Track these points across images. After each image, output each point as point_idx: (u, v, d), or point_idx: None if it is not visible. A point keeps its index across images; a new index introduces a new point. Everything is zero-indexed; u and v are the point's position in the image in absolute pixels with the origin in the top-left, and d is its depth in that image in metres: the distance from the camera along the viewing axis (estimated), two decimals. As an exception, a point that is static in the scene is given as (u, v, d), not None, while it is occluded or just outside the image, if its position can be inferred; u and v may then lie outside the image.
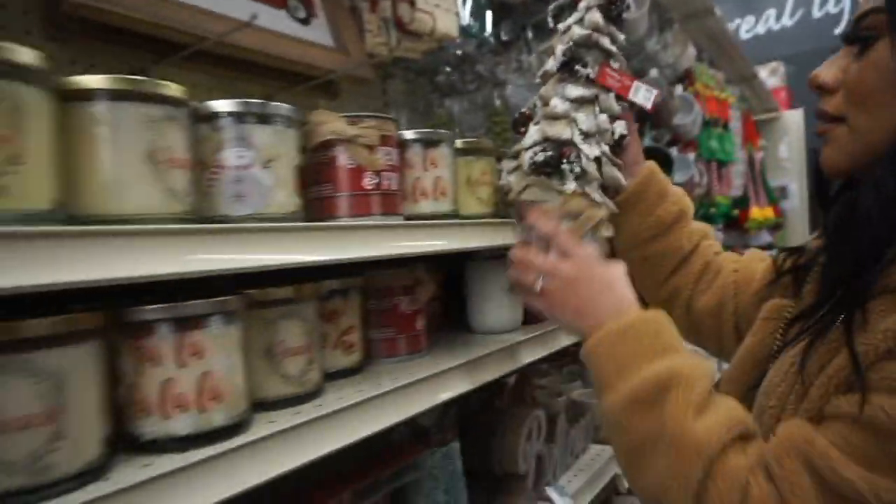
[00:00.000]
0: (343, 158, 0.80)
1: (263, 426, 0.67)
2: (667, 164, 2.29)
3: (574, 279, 0.79)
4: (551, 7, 1.18)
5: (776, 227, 4.88)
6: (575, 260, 0.81)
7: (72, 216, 0.56)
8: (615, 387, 0.69)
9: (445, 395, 0.92)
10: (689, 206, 1.03)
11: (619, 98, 1.03)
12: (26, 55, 0.49)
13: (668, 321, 0.75)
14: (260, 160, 0.70)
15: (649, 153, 2.36)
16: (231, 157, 0.69)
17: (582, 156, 0.97)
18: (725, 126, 3.25)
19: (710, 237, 1.04)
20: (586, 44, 1.04)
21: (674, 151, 2.46)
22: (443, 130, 1.07)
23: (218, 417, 0.62)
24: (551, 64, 1.05)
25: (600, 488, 1.46)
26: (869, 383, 0.59)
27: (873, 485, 0.55)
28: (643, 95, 1.00)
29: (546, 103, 1.03)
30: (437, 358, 1.00)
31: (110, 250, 0.51)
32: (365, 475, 0.87)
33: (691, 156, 2.62)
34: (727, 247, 3.28)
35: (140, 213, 0.59)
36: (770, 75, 5.64)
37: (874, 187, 0.63)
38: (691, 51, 2.70)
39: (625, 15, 2.17)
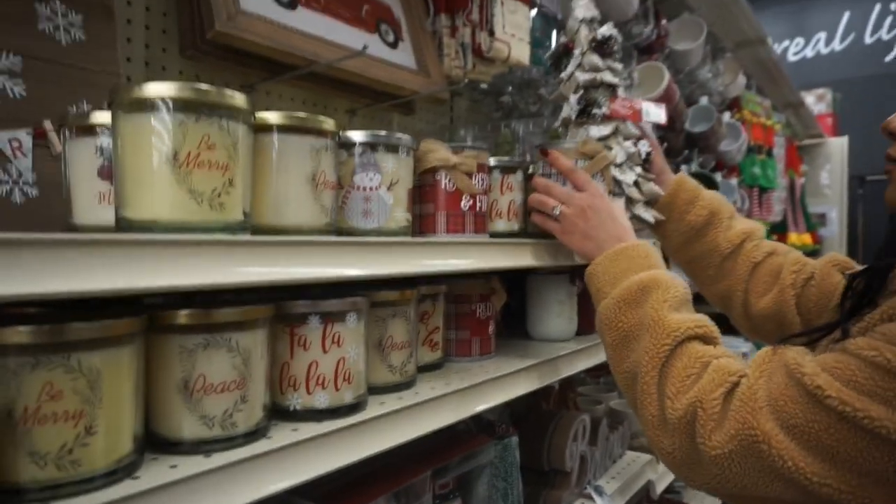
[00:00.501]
0: (445, 182, 0.93)
1: (377, 407, 0.80)
2: (712, 188, 2.37)
3: (585, 208, 0.95)
4: (548, 56, 1.34)
5: (813, 253, 4.90)
6: (587, 192, 0.97)
7: (252, 226, 0.69)
8: (608, 293, 0.85)
9: (514, 392, 1.05)
10: (723, 208, 1.11)
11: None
12: (240, 100, 0.62)
13: (656, 251, 0.90)
14: (385, 183, 0.83)
15: (697, 178, 2.44)
16: (363, 179, 0.82)
17: (623, 185, 1.13)
18: (769, 153, 3.31)
19: (756, 237, 1.10)
20: (593, 85, 1.20)
21: (718, 177, 2.54)
22: (518, 159, 1.20)
23: (348, 396, 0.75)
24: (567, 111, 1.21)
25: (634, 492, 1.56)
26: (846, 346, 0.64)
27: (850, 397, 0.59)
28: (655, 113, 1.15)
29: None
30: (504, 360, 1.13)
31: (286, 257, 0.65)
32: (441, 458, 1.00)
33: (734, 181, 2.70)
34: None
35: (298, 225, 0.72)
36: (817, 102, 5.64)
37: None
38: (741, 79, 2.78)
39: (679, 46, 2.30)
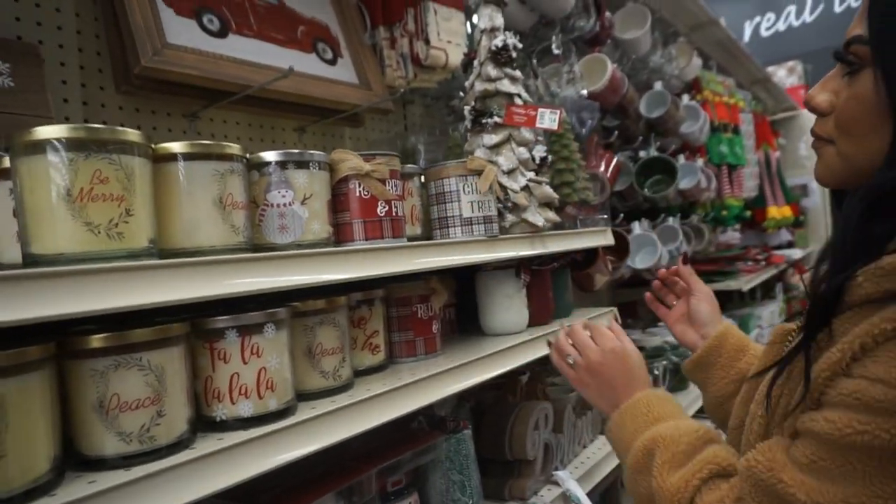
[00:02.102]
0: (359, 190, 0.97)
1: (307, 412, 0.84)
2: (671, 172, 2.41)
3: (596, 364, 0.92)
4: (460, 64, 1.42)
5: (796, 224, 4.93)
6: (599, 346, 0.93)
7: (161, 250, 0.74)
8: (625, 462, 0.82)
9: (457, 387, 1.09)
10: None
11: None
12: (134, 135, 0.67)
13: (661, 395, 0.86)
14: (299, 198, 0.88)
15: (653, 162, 2.49)
16: (276, 196, 0.86)
17: (509, 192, 1.20)
18: (735, 130, 3.35)
19: None
20: (488, 95, 1.29)
21: (681, 159, 2.58)
22: (416, 165, 1.26)
23: (272, 403, 0.79)
24: (467, 121, 1.30)
25: (605, 475, 1.60)
26: (828, 399, 0.62)
27: (822, 496, 0.59)
28: (549, 119, 1.22)
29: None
30: (450, 356, 1.17)
31: (190, 277, 0.69)
32: (388, 456, 1.04)
33: (699, 162, 2.74)
34: (744, 247, 3.34)
35: (211, 245, 0.77)
36: (789, 74, 5.68)
37: (845, 211, 0.68)
38: (696, 61, 2.82)
39: (626, 35, 2.37)
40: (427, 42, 1.56)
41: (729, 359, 1.01)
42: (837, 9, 7.32)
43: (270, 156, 0.87)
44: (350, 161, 0.93)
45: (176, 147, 0.75)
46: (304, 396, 0.89)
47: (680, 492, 0.72)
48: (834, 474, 0.59)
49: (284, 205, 0.86)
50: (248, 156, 0.85)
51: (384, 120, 1.86)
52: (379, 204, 0.96)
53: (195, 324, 0.75)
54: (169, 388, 0.69)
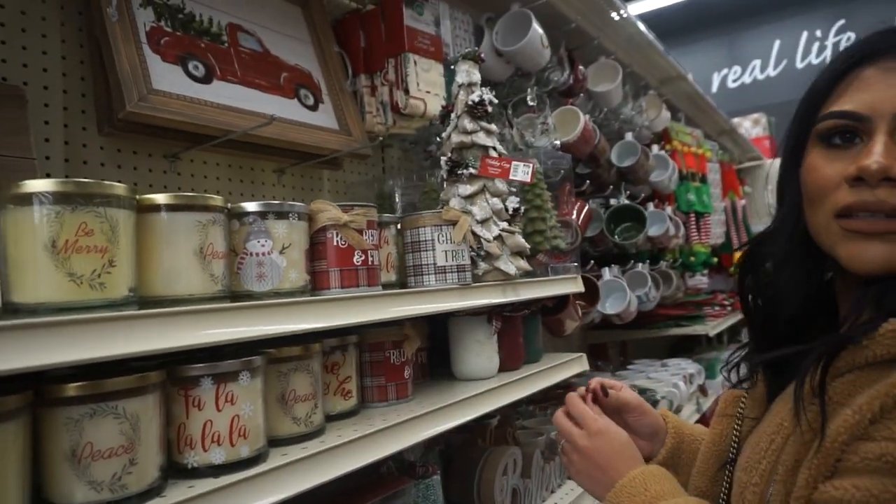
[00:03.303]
0: (337, 240, 1.00)
1: (278, 458, 0.85)
2: (641, 220, 2.49)
3: (583, 449, 0.89)
4: (438, 116, 1.50)
5: (762, 270, 5.06)
6: (585, 430, 0.90)
7: (140, 297, 0.75)
8: None
9: (429, 432, 1.10)
10: None
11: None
12: (120, 189, 0.69)
13: (658, 474, 0.82)
14: (277, 247, 0.90)
15: (623, 209, 2.56)
16: (255, 245, 0.89)
17: (482, 241, 1.26)
18: (703, 179, 3.47)
19: None
20: (464, 146, 1.36)
21: (650, 207, 2.67)
22: (393, 215, 1.30)
23: (244, 451, 0.80)
24: (442, 171, 1.36)
25: (573, 520, 1.61)
26: (850, 465, 0.59)
27: None
28: (522, 172, 1.29)
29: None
30: (422, 402, 1.18)
31: (169, 326, 0.71)
32: (357, 501, 1.04)
33: (668, 209, 2.83)
34: (711, 291, 3.41)
35: (189, 294, 0.78)
36: (754, 125, 5.92)
37: None
38: (665, 113, 2.94)
39: (598, 88, 2.45)
40: (407, 91, 1.62)
41: (691, 452, 0.98)
42: (799, 65, 7.70)
43: (251, 206, 0.89)
44: (329, 212, 0.97)
45: (160, 199, 0.77)
46: (275, 442, 0.90)
47: None
48: None
49: (263, 254, 0.89)
50: (229, 206, 0.88)
51: (363, 163, 1.90)
52: (355, 253, 0.99)
53: (171, 371, 0.77)
54: (142, 436, 0.70)
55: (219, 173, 1.46)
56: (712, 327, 3.14)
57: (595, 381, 0.99)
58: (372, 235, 1.03)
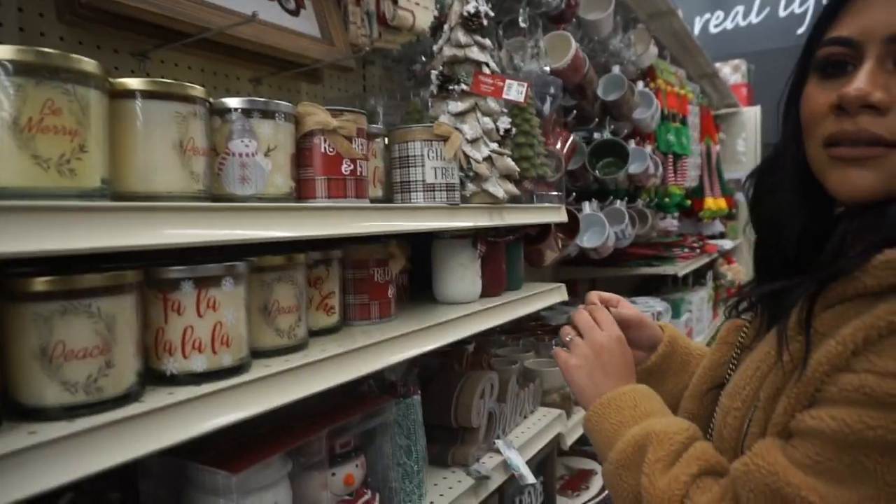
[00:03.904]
0: (325, 147, 0.94)
1: (261, 369, 0.82)
2: (623, 156, 2.46)
3: (602, 346, 0.87)
4: (427, 27, 1.41)
5: (729, 217, 5.15)
6: (606, 333, 0.89)
7: (116, 193, 0.69)
8: (607, 456, 0.77)
9: (410, 353, 1.08)
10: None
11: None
12: (90, 65, 0.62)
13: (646, 392, 0.82)
14: (262, 149, 0.84)
15: (606, 144, 2.53)
16: (239, 145, 0.82)
17: (472, 161, 1.20)
18: (683, 121, 3.45)
19: None
20: (457, 61, 1.28)
21: (631, 144, 2.64)
22: (381, 126, 1.24)
23: (226, 359, 0.76)
24: (433, 86, 1.29)
25: (544, 444, 1.65)
26: (829, 395, 0.60)
27: (835, 500, 0.56)
28: (516, 91, 1.23)
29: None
30: (404, 322, 1.16)
31: (146, 222, 0.65)
32: (338, 417, 1.03)
33: (648, 148, 2.81)
34: (681, 234, 3.46)
35: (168, 192, 0.72)
36: (733, 72, 5.88)
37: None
38: (653, 49, 2.87)
39: (590, 16, 2.36)
40: (395, 1, 1.52)
41: (681, 363, 0.98)
42: (782, 13, 7.60)
43: (235, 102, 0.82)
44: (317, 115, 0.90)
45: (135, 83, 0.70)
46: (258, 354, 0.86)
47: (671, 489, 0.68)
48: (843, 475, 0.57)
49: (247, 154, 0.82)
50: (211, 100, 0.81)
51: (343, 78, 1.80)
52: (344, 162, 0.94)
53: (149, 273, 0.71)
54: (118, 338, 0.66)
55: (191, 77, 1.36)
56: (681, 268, 3.19)
57: (594, 295, 0.97)
58: (361, 145, 0.97)
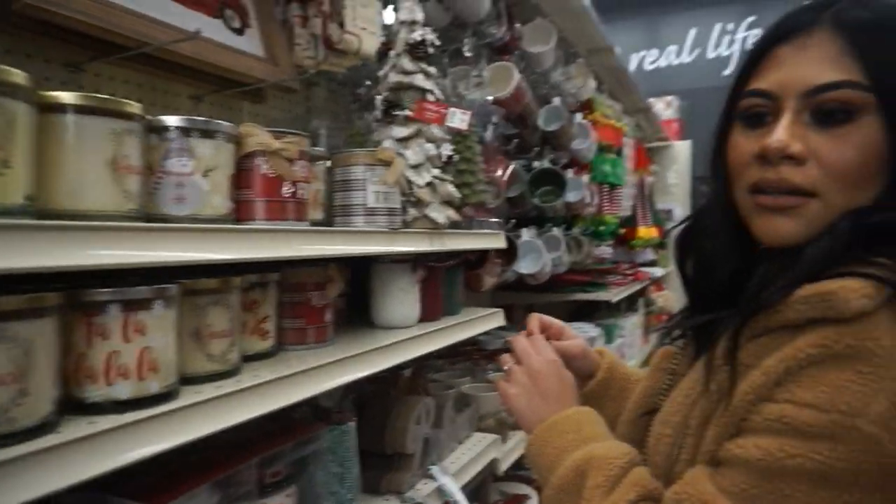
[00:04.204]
0: (265, 168, 0.93)
1: (190, 396, 0.79)
2: (560, 185, 2.54)
3: (537, 371, 0.87)
4: (374, 53, 1.44)
5: (660, 245, 5.37)
6: (543, 357, 0.89)
7: (42, 211, 0.66)
8: (548, 481, 0.77)
9: (346, 378, 1.07)
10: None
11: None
12: (18, 76, 0.59)
13: (590, 414, 0.82)
14: (200, 169, 0.82)
15: (544, 173, 2.60)
16: (176, 164, 0.80)
17: (414, 186, 1.22)
18: (618, 152, 3.59)
19: None
20: (401, 87, 1.31)
21: (569, 173, 2.72)
22: (322, 149, 1.24)
23: (153, 386, 0.74)
24: (377, 111, 1.31)
25: (478, 470, 1.65)
26: (753, 424, 0.62)
27: None
28: (458, 119, 1.26)
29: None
30: (340, 347, 1.15)
31: (73, 242, 0.63)
32: (270, 446, 1.00)
33: (585, 178, 2.90)
34: (615, 261, 3.58)
35: (98, 210, 0.70)
36: (666, 108, 6.18)
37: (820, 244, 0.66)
38: (591, 83, 2.99)
39: (533, 49, 2.44)
40: (341, 25, 1.53)
41: (620, 389, 1.00)
42: (711, 55, 8.08)
43: (174, 121, 0.80)
44: (259, 136, 0.89)
45: (67, 98, 0.67)
46: (188, 380, 0.83)
47: None
48: (766, 501, 0.59)
49: (184, 174, 0.81)
50: (148, 117, 0.79)
51: (286, 99, 1.79)
52: (284, 184, 0.93)
53: (73, 295, 0.68)
54: (36, 365, 0.62)
55: (127, 92, 1.31)
56: (615, 294, 3.29)
57: (535, 319, 0.99)
58: (303, 167, 0.97)
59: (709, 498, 0.61)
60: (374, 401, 1.46)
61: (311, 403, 1.22)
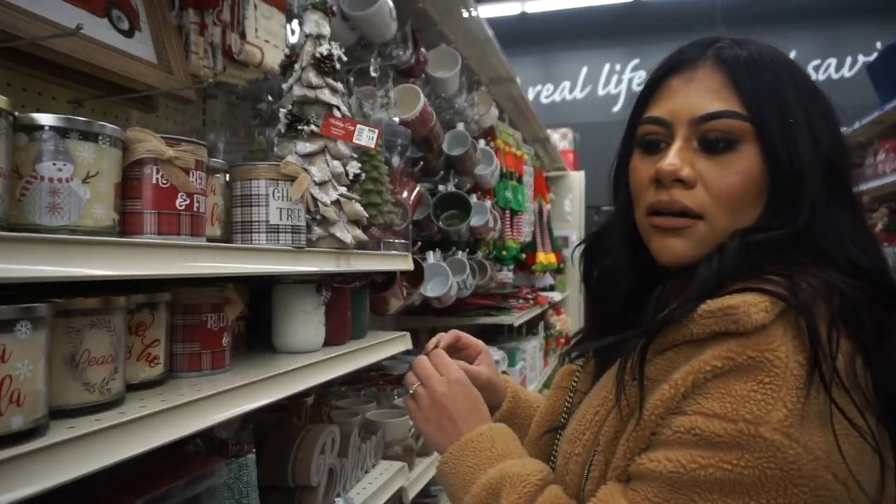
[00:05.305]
0: (157, 178, 0.85)
1: (63, 431, 0.69)
2: (465, 209, 2.56)
3: (440, 394, 0.85)
4: (277, 65, 1.40)
5: (558, 271, 5.57)
6: (444, 376, 0.87)
7: None
8: (461, 499, 0.77)
9: (244, 407, 0.99)
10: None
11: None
12: None
13: (505, 433, 0.82)
14: (80, 174, 0.73)
15: (450, 197, 2.62)
16: (50, 169, 0.71)
17: (319, 204, 1.19)
18: (519, 179, 3.69)
19: None
20: (307, 101, 1.28)
21: (473, 198, 2.76)
22: (222, 162, 1.17)
23: (16, 422, 0.64)
24: (280, 125, 1.27)
25: (386, 500, 1.59)
26: (664, 437, 0.63)
27: None
28: (367, 137, 1.25)
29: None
30: (239, 373, 1.07)
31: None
32: (159, 484, 0.90)
33: (488, 203, 2.95)
34: (516, 286, 3.65)
35: (-50, 217, 0.60)
36: (561, 139, 6.47)
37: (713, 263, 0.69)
38: (494, 111, 3.07)
39: (438, 74, 2.46)
40: (243, 36, 1.46)
41: (526, 417, 1.00)
42: (601, 92, 8.61)
43: (48, 119, 0.72)
44: (150, 142, 0.82)
45: (-86, 84, 0.57)
46: (61, 413, 0.73)
47: None
48: None
49: (60, 180, 0.72)
50: (16, 113, 0.69)
51: (181, 110, 1.68)
52: (179, 196, 0.85)
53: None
54: None
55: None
56: (517, 318, 3.35)
57: (433, 340, 0.97)
58: (200, 179, 0.90)
59: None
60: (276, 430, 1.37)
61: (205, 435, 1.12)
